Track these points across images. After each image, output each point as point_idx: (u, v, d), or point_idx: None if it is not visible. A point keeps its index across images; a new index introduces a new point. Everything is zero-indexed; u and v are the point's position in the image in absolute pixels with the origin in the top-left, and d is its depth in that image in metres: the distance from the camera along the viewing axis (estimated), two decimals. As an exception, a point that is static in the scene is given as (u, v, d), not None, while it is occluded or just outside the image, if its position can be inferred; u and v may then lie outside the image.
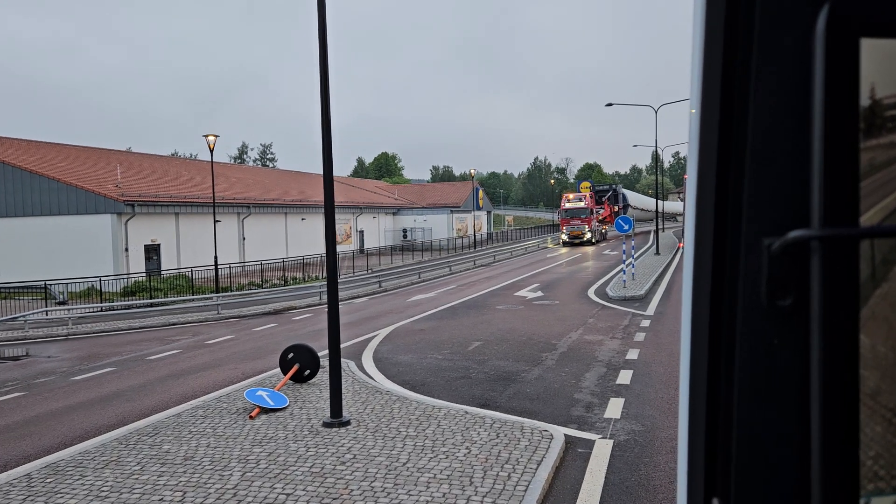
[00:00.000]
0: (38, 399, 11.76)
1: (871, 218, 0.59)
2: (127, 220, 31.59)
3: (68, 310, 22.61)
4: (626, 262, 24.93)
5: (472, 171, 65.89)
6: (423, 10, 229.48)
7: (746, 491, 0.64)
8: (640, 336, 14.95)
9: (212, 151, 27.31)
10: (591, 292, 23.42)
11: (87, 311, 22.90)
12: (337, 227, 54.30)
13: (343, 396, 9.97)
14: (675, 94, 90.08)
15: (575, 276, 29.73)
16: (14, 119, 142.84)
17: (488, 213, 75.14)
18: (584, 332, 15.64)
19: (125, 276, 29.78)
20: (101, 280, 27.28)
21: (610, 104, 39.54)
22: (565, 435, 8.31)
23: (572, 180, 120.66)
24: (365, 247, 53.52)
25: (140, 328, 20.48)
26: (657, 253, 38.52)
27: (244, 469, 7.45)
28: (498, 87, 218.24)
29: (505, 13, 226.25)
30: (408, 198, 67.35)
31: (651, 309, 19.14)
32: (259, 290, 27.04)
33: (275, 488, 6.88)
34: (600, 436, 8.40)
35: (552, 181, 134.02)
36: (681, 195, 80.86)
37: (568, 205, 51.79)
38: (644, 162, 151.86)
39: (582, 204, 51.40)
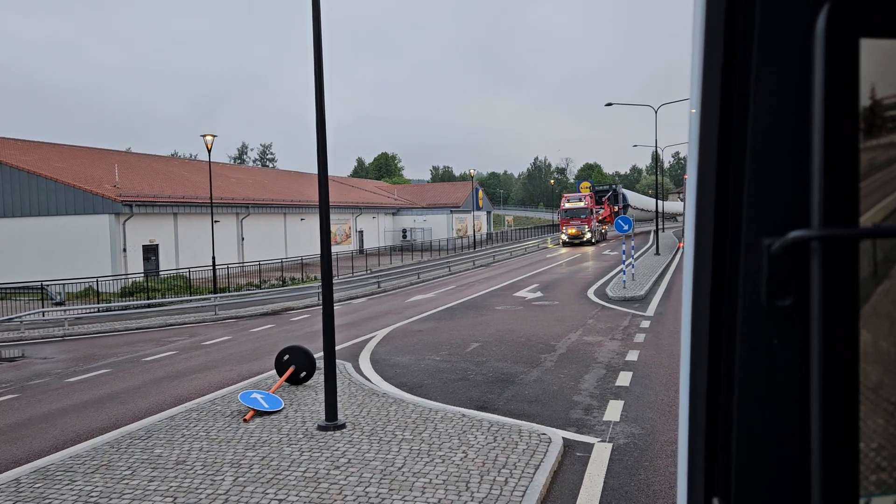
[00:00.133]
0: (31, 401, 11.63)
1: (871, 218, 0.59)
2: (125, 221, 31.47)
3: (65, 311, 22.49)
4: (626, 263, 24.82)
5: (472, 171, 65.77)
6: (423, 10, 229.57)
7: (747, 491, 0.65)
8: (639, 337, 14.82)
9: (209, 151, 27.21)
10: (590, 293, 23.30)
11: (83, 311, 22.77)
12: (336, 227, 54.05)
13: (339, 399, 9.84)
14: (675, 94, 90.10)
15: (574, 276, 29.61)
16: (14, 119, 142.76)
17: (488, 213, 75.00)
18: (584, 333, 15.51)
19: (123, 277, 29.65)
20: (98, 281, 27.14)
21: (610, 104, 39.40)
22: (564, 438, 8.19)
23: (572, 180, 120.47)
24: (364, 247, 53.41)
25: (137, 329, 20.36)
26: (657, 253, 38.40)
27: (236, 474, 7.32)
28: (498, 87, 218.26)
29: (505, 13, 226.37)
30: (407, 198, 67.22)
31: (651, 309, 19.02)
32: (257, 291, 26.91)
33: (267, 494, 6.75)
34: (599, 439, 8.27)
35: (552, 181, 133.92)
36: (681, 195, 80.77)
37: (568, 205, 51.68)
38: (644, 162, 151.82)
39: (582, 204, 51.28)
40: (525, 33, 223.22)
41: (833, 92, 0.58)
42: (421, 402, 9.98)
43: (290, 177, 59.84)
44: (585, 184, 59.74)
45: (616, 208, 58.56)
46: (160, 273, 31.66)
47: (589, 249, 47.00)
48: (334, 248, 44.80)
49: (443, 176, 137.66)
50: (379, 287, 28.15)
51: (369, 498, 6.55)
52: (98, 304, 24.69)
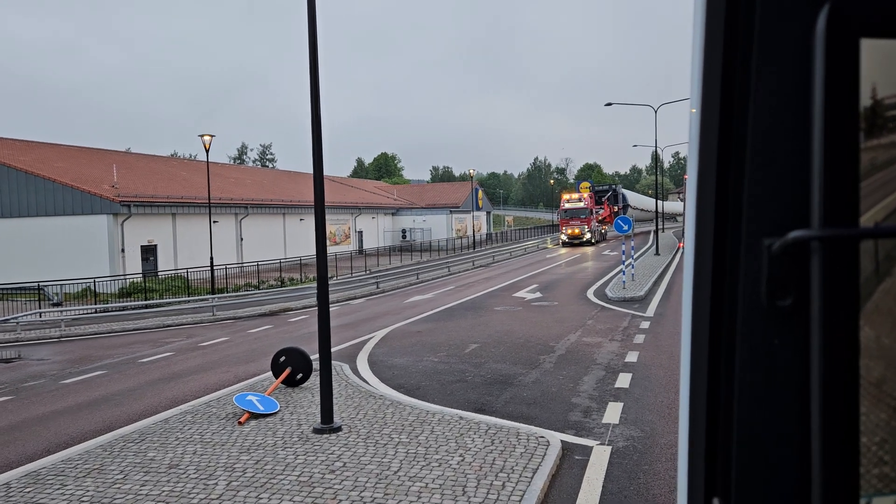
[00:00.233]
0: (25, 403, 11.53)
1: (871, 218, 0.59)
2: (123, 221, 31.37)
3: (61, 311, 22.39)
4: (626, 263, 24.72)
5: (472, 171, 65.58)
6: (423, 10, 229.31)
7: (747, 491, 0.65)
8: (639, 338, 14.72)
9: (207, 151, 27.15)
10: (590, 293, 23.20)
11: (81, 312, 22.68)
12: (335, 227, 53.95)
13: (336, 401, 9.74)
14: (675, 93, 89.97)
15: (574, 276, 29.51)
16: (13, 119, 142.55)
17: (488, 213, 74.90)
18: (583, 334, 15.41)
19: (121, 277, 29.53)
20: (96, 281, 27.05)
21: (610, 104, 39.30)
22: (562, 441, 8.08)
23: (572, 180, 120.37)
24: (364, 247, 53.30)
25: (134, 330, 20.26)
26: (657, 253, 38.29)
27: (230, 478, 7.22)
28: (498, 87, 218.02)
29: (505, 13, 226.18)
30: (407, 198, 67.12)
31: (651, 310, 18.92)
32: (256, 292, 26.81)
33: (260, 498, 6.65)
34: (598, 442, 8.17)
35: (552, 181, 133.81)
36: (681, 195, 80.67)
37: (567, 205, 51.58)
38: (644, 162, 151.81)
39: (581, 204, 51.19)
40: (525, 33, 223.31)
41: (833, 92, 0.58)
42: (418, 405, 9.88)
43: (290, 177, 59.70)
44: (585, 184, 59.58)
45: (616, 208, 58.45)
46: (158, 273, 31.54)
47: (588, 250, 46.91)
48: (333, 249, 44.77)
49: (442, 176, 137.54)
50: (378, 287, 28.03)
51: (364, 502, 6.45)
52: (95, 304, 24.60)
